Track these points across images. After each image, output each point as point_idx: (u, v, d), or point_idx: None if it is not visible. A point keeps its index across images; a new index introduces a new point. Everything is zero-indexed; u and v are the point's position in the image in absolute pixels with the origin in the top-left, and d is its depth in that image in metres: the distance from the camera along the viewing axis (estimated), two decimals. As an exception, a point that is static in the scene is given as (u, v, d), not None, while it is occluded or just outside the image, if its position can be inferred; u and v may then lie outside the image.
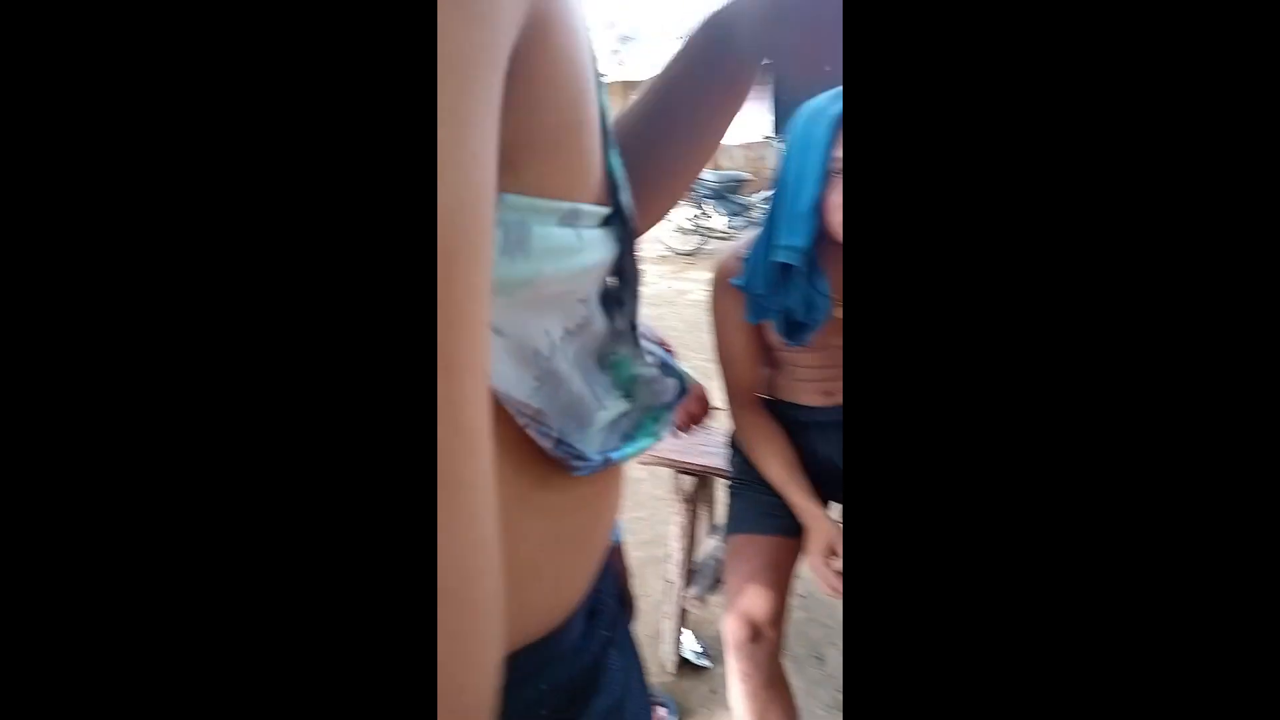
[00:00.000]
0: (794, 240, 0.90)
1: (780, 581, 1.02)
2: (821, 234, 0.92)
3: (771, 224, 0.94)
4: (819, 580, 0.96)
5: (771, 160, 6.34)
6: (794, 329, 0.98)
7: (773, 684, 0.98)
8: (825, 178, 0.88)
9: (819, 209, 0.89)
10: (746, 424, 1.09)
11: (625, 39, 10.83)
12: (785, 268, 0.93)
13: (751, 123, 9.18)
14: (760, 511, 1.07)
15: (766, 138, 7.44)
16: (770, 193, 0.97)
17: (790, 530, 1.04)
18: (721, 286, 1.03)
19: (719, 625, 1.59)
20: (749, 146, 8.58)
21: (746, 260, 0.98)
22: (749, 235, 1.03)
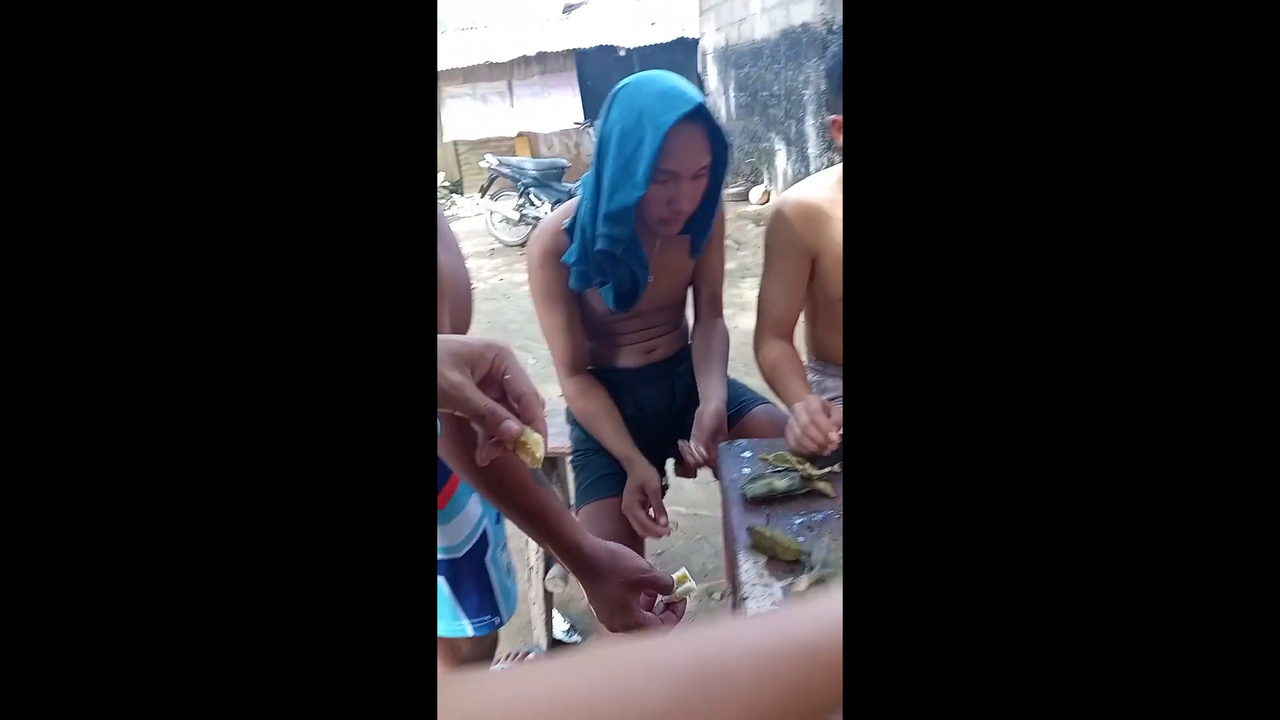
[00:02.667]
0: (616, 231, 0.96)
1: (637, 539, 1.09)
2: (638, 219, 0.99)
3: (593, 212, 0.99)
4: (631, 520, 1.03)
5: (587, 146, 6.45)
6: (622, 298, 1.06)
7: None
8: (648, 180, 0.92)
9: (640, 204, 0.94)
10: (579, 392, 1.14)
11: (569, 6, 10.14)
12: (609, 254, 0.99)
13: (564, 109, 9.22)
14: (603, 476, 1.13)
15: (578, 124, 7.53)
16: (587, 175, 1.02)
17: (616, 487, 1.11)
18: (546, 262, 1.06)
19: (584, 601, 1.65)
20: (564, 134, 8.63)
21: (568, 234, 1.03)
22: (557, 211, 1.09)
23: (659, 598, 0.66)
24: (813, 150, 5.37)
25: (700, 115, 0.92)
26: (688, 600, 0.68)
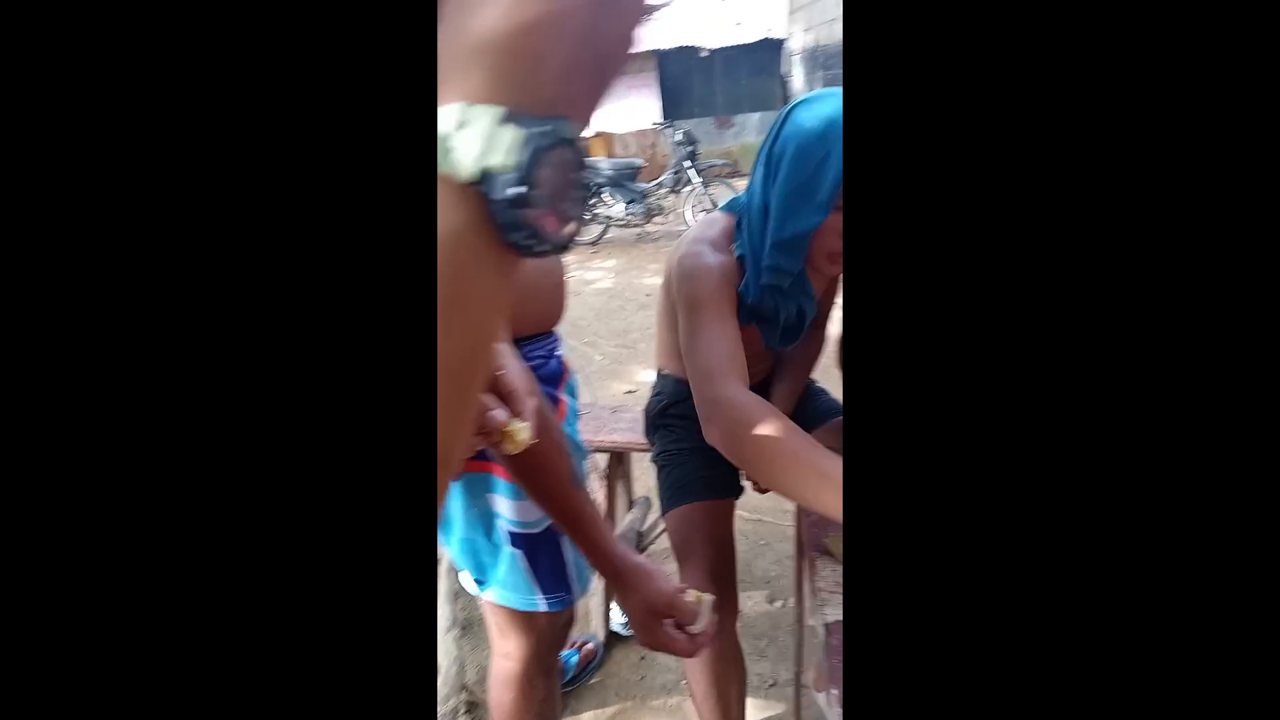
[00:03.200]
0: (790, 264, 0.84)
1: (730, 533, 1.06)
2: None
3: (762, 239, 0.87)
4: None
5: (664, 147, 6.45)
6: (787, 334, 0.96)
7: (734, 647, 1.02)
8: (829, 207, 0.79)
9: (814, 233, 0.82)
10: (749, 409, 0.87)
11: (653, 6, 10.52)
12: (775, 288, 0.89)
13: (641, 109, 9.29)
14: (699, 478, 1.08)
15: (656, 124, 7.57)
16: (720, 189, 0.93)
17: (725, 491, 1.08)
18: (725, 285, 0.88)
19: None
20: (641, 134, 8.70)
21: (740, 261, 0.90)
22: (715, 227, 0.93)
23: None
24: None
25: None
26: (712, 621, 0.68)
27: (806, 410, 1.19)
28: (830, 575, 0.72)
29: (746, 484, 1.19)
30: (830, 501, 0.62)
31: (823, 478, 0.63)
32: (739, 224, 0.92)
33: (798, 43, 7.42)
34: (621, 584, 0.66)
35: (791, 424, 0.69)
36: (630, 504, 1.71)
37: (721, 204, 0.99)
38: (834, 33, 6.18)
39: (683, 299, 0.87)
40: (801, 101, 0.85)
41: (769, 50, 8.61)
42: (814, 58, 6.87)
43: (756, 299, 0.89)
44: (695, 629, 0.66)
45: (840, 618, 0.65)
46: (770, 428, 0.68)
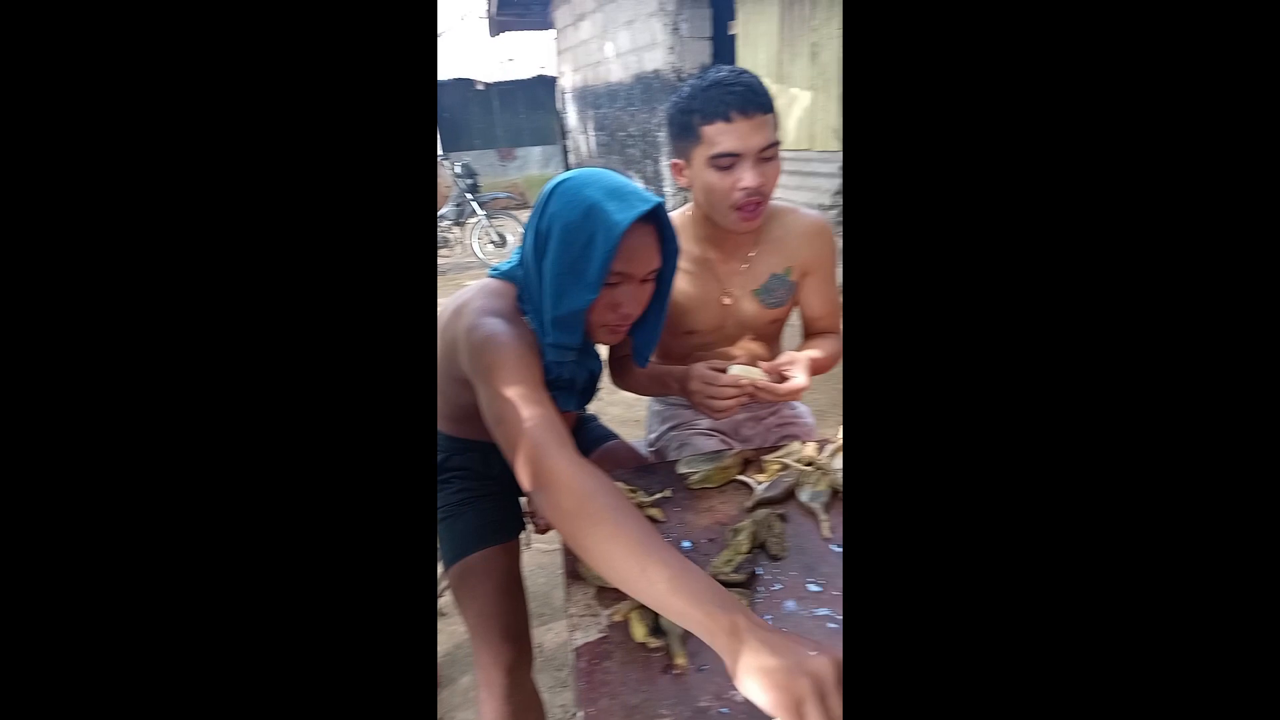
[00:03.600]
0: (569, 339, 0.87)
1: (521, 588, 1.03)
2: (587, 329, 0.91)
3: (539, 317, 0.89)
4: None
5: (444, 179, 6.29)
6: (582, 397, 1.00)
7: (532, 697, 1.00)
8: (599, 284, 0.83)
9: (588, 311, 0.86)
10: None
11: None
12: (560, 361, 0.90)
13: (421, 141, 8.93)
14: (481, 525, 1.06)
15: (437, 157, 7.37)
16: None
17: (509, 533, 1.07)
18: (525, 355, 0.88)
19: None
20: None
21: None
22: (477, 296, 0.92)
23: None
24: (668, 189, 5.67)
25: (656, 215, 0.87)
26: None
27: (580, 437, 1.25)
28: (581, 599, 0.75)
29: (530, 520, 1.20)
30: (655, 597, 0.59)
31: (655, 569, 0.60)
32: (520, 295, 0.92)
33: (568, 81, 7.78)
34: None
35: (628, 504, 0.68)
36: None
37: (493, 267, 0.99)
38: (599, 74, 6.59)
39: (482, 373, 0.83)
40: (564, 180, 0.87)
41: (544, 86, 8.89)
42: (584, 97, 7.25)
43: (550, 371, 0.90)
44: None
45: (589, 640, 0.69)
46: (610, 509, 0.65)
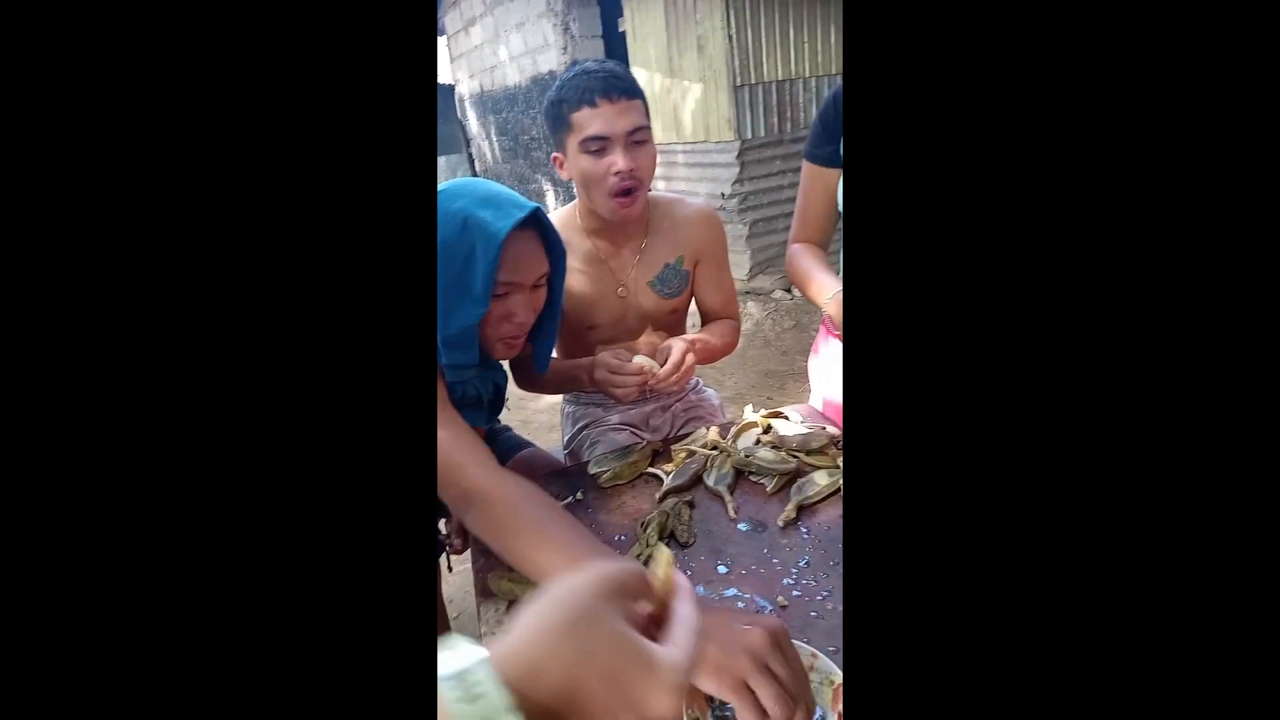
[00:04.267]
0: (464, 358, 0.84)
1: (440, 609, 1.03)
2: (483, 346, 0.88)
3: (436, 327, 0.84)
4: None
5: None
6: (492, 411, 0.98)
7: None
8: (487, 297, 0.81)
9: (480, 325, 0.84)
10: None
11: None
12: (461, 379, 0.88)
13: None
14: None
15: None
16: None
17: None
18: None
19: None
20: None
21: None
22: None
23: None
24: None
25: (536, 220, 0.85)
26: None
27: (494, 448, 1.22)
28: (493, 616, 0.74)
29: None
30: (549, 565, 0.64)
31: (553, 544, 0.65)
32: None
33: (465, 88, 7.60)
34: None
35: (556, 507, 0.70)
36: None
37: None
38: (496, 78, 6.48)
39: None
40: (438, 193, 0.84)
41: (442, 95, 8.65)
42: (483, 103, 7.10)
43: (455, 390, 0.87)
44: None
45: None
46: (539, 517, 0.68)
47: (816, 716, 0.56)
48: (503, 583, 0.76)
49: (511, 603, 0.75)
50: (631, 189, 1.01)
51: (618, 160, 0.99)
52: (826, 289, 1.02)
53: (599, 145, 0.99)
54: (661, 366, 0.99)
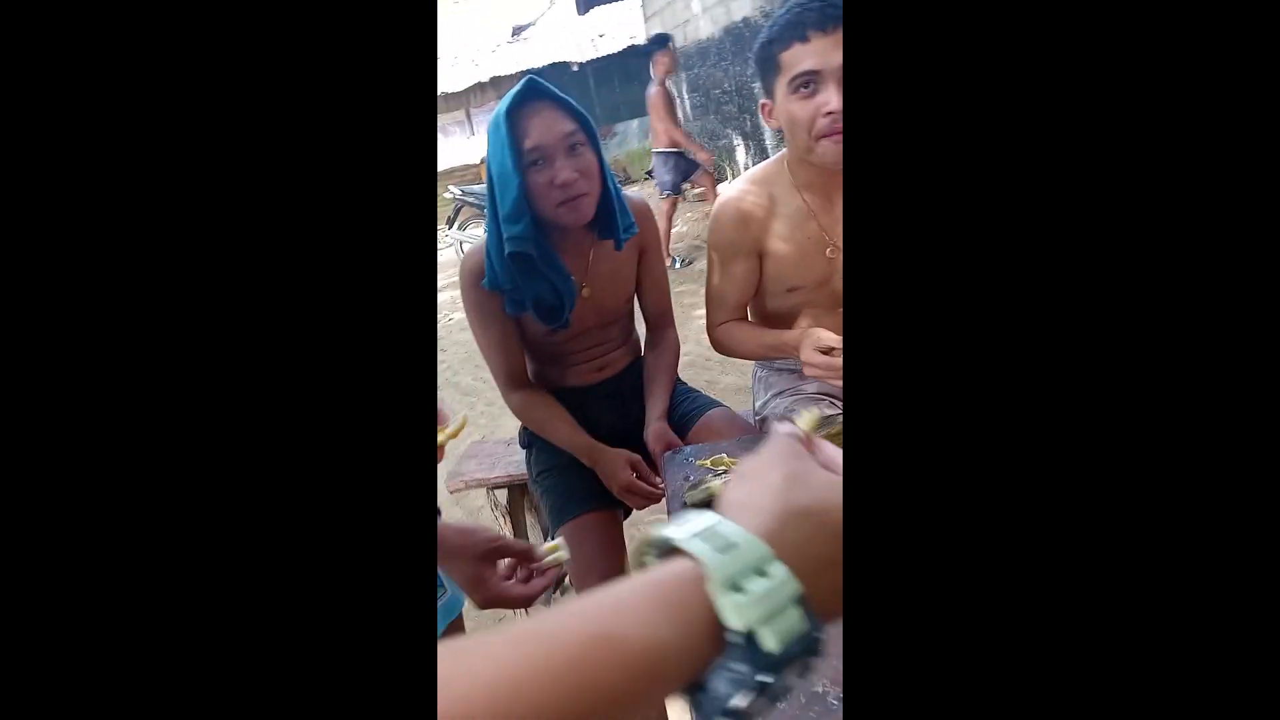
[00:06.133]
0: (515, 229, 0.98)
1: (621, 542, 1.09)
2: (541, 220, 1.00)
3: (493, 222, 1.02)
4: (633, 499, 1.06)
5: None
6: (548, 313, 1.06)
7: None
8: (521, 168, 0.96)
9: (527, 196, 0.97)
10: (525, 404, 1.16)
11: (518, 28, 10.17)
12: (523, 258, 1.00)
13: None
14: (573, 494, 1.13)
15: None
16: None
17: (607, 501, 1.11)
18: (471, 289, 1.09)
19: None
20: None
21: (486, 258, 1.05)
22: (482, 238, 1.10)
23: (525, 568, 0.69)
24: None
25: (535, 92, 0.96)
26: (561, 568, 0.70)
27: (680, 412, 1.23)
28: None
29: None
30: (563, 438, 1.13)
31: (567, 426, 1.13)
32: (486, 271, 1.07)
33: (659, 47, 7.61)
34: (443, 555, 0.68)
35: (554, 403, 1.16)
36: (544, 533, 1.70)
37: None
38: (689, 33, 6.39)
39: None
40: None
41: (636, 57, 8.79)
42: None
43: (504, 281, 1.03)
44: (539, 565, 0.68)
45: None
46: (545, 412, 1.14)
47: None
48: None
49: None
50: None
51: (831, 99, 0.89)
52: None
53: (809, 81, 0.90)
54: None
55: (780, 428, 0.32)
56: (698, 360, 2.83)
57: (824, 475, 0.29)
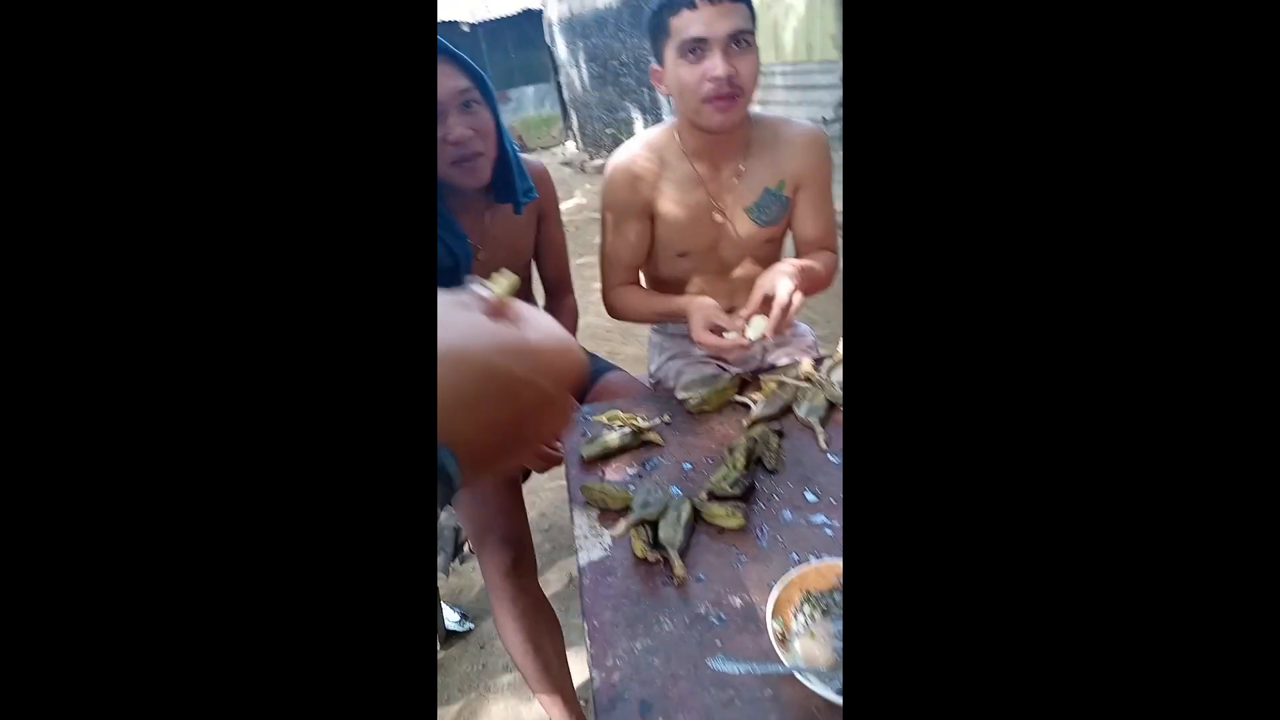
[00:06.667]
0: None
1: (519, 500, 1.10)
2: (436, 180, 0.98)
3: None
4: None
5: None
6: (445, 276, 1.05)
7: (540, 602, 1.06)
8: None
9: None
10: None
11: None
12: None
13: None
14: None
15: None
16: None
17: None
18: None
19: (468, 587, 1.65)
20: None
21: None
22: None
23: None
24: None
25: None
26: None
27: None
28: (585, 522, 0.78)
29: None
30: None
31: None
32: None
33: (554, 13, 7.41)
34: None
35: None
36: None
37: None
38: (585, 2, 6.26)
39: None
40: None
41: (530, 21, 8.50)
42: (572, 28, 6.91)
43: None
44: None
45: (594, 559, 0.72)
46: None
47: None
48: (594, 491, 0.79)
49: (602, 510, 0.79)
50: (732, 96, 0.96)
51: (717, 64, 0.94)
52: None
53: (696, 46, 0.94)
54: (772, 309, 0.94)
55: (474, 288, 0.33)
56: (599, 332, 2.86)
57: (470, 319, 0.30)
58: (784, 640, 0.57)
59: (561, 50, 7.53)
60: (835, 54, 3.44)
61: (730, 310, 1.02)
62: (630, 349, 2.77)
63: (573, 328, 1.25)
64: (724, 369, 1.20)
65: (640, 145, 1.12)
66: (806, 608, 0.60)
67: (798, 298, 0.94)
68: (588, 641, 0.62)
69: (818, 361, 1.03)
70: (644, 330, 1.36)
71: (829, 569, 0.62)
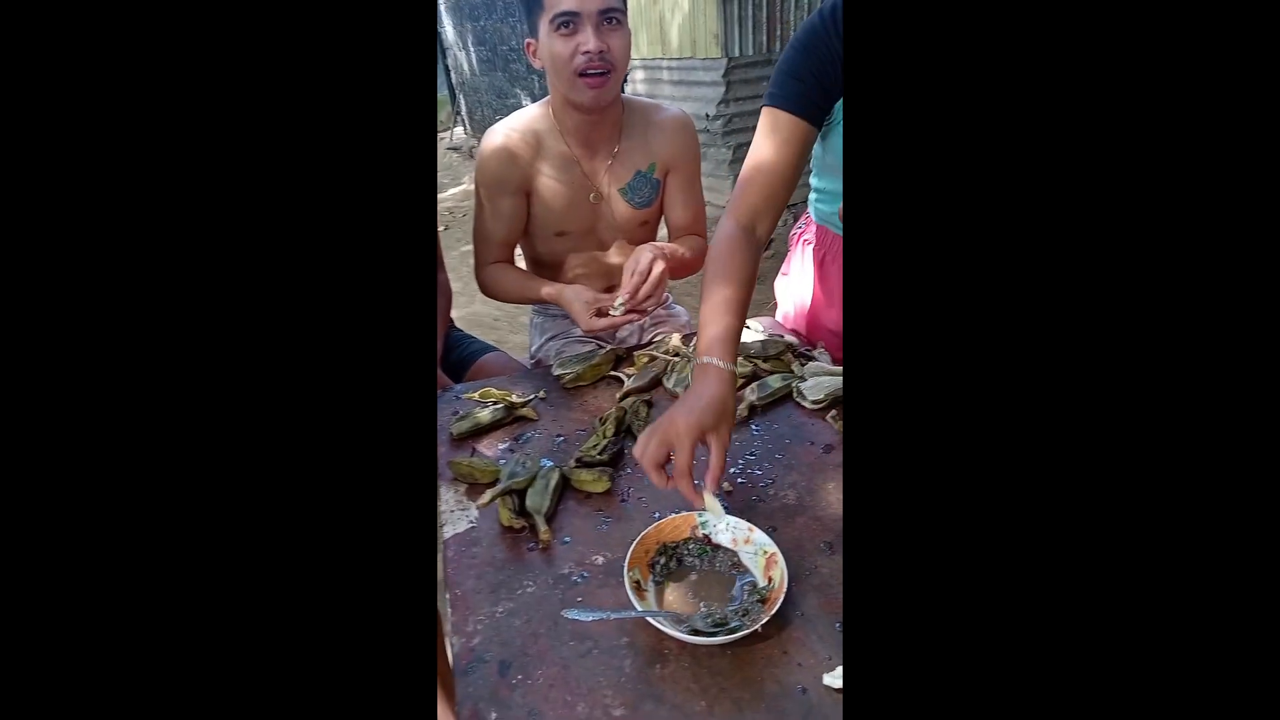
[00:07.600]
0: None
1: None
2: None
3: None
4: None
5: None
6: None
7: None
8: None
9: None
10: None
11: None
12: None
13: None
14: None
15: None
16: None
17: None
18: None
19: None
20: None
21: None
22: None
23: None
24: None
25: None
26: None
27: (455, 356, 1.23)
28: (452, 497, 0.77)
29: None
30: None
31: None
32: None
33: (440, -9, 7.09)
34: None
35: None
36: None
37: None
38: (473, -18, 6.06)
39: None
40: None
41: (414, -2, 8.07)
42: (460, 9, 6.67)
43: None
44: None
45: (456, 532, 0.71)
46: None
47: (747, 580, 0.61)
48: (462, 466, 0.79)
49: (471, 484, 0.78)
50: (603, 72, 0.98)
51: (589, 39, 0.96)
52: (709, 326, 0.71)
53: (568, 20, 0.96)
54: (631, 277, 0.97)
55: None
56: (485, 319, 2.80)
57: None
58: (640, 588, 0.60)
59: (449, 32, 7.23)
60: (717, 52, 3.56)
61: (609, 289, 1.04)
62: (519, 337, 2.73)
63: (446, 307, 1.21)
64: (601, 346, 1.23)
65: (516, 122, 1.11)
66: (662, 559, 0.63)
67: (658, 266, 0.97)
68: (449, 611, 0.62)
69: (686, 337, 1.07)
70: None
71: (684, 520, 0.66)
